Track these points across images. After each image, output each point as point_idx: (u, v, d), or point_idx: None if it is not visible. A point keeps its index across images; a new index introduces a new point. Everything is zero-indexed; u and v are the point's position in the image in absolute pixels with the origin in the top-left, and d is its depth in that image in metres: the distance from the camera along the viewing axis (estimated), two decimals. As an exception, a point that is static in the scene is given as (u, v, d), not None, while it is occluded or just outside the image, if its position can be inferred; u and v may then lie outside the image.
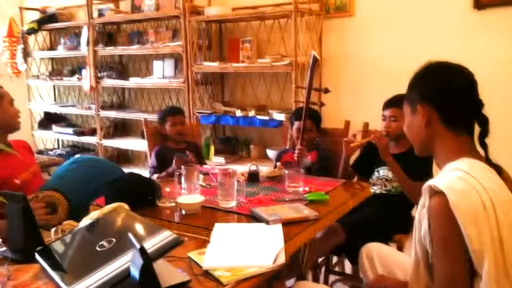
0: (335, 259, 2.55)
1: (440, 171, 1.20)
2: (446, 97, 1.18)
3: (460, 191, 1.05)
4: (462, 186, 1.06)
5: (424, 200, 1.13)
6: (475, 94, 1.20)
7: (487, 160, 1.19)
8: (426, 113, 1.20)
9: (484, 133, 1.20)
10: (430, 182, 1.10)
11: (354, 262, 2.23)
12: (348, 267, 2.53)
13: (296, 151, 2.43)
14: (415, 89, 1.25)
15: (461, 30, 3.00)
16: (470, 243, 1.03)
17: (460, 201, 1.04)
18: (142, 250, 0.92)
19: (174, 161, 2.55)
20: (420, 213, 1.15)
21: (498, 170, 1.18)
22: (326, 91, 2.57)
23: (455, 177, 1.09)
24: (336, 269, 2.56)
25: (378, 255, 1.73)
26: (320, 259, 2.43)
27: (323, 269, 2.48)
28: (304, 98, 2.46)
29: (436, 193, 1.08)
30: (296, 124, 2.57)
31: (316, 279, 2.39)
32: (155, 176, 2.69)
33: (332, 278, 2.52)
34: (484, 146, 1.21)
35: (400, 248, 2.19)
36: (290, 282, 2.02)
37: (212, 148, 3.84)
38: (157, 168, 2.76)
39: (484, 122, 1.19)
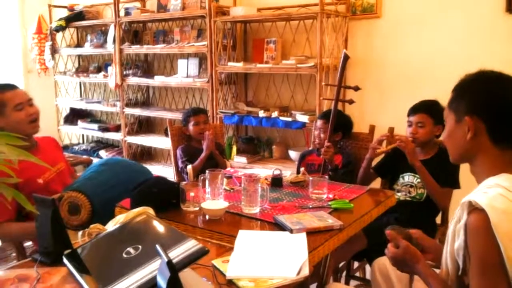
0: (356, 264, 2.53)
1: (477, 183, 1.16)
2: (498, 111, 1.12)
3: (502, 210, 1.02)
4: (504, 204, 1.03)
5: (461, 215, 1.09)
6: None
7: None
8: (473, 125, 1.14)
9: None
10: (470, 198, 1.07)
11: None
12: (369, 273, 2.50)
13: (324, 148, 2.44)
14: (463, 99, 1.18)
15: (492, 34, 2.92)
16: (510, 265, 0.99)
17: (501, 221, 1.00)
18: (170, 264, 0.93)
19: (204, 144, 2.77)
20: (455, 227, 1.12)
21: None
22: (357, 89, 2.55)
23: (497, 194, 1.05)
24: (357, 274, 2.54)
25: (394, 269, 1.59)
26: (341, 264, 2.41)
27: (344, 274, 2.47)
28: (333, 96, 2.50)
29: (475, 209, 1.05)
30: (317, 122, 2.61)
31: (337, 285, 2.38)
32: (189, 167, 2.74)
33: (353, 283, 2.51)
34: None
35: (424, 257, 2.15)
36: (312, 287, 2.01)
37: (234, 148, 3.86)
38: (187, 160, 2.81)
39: None
